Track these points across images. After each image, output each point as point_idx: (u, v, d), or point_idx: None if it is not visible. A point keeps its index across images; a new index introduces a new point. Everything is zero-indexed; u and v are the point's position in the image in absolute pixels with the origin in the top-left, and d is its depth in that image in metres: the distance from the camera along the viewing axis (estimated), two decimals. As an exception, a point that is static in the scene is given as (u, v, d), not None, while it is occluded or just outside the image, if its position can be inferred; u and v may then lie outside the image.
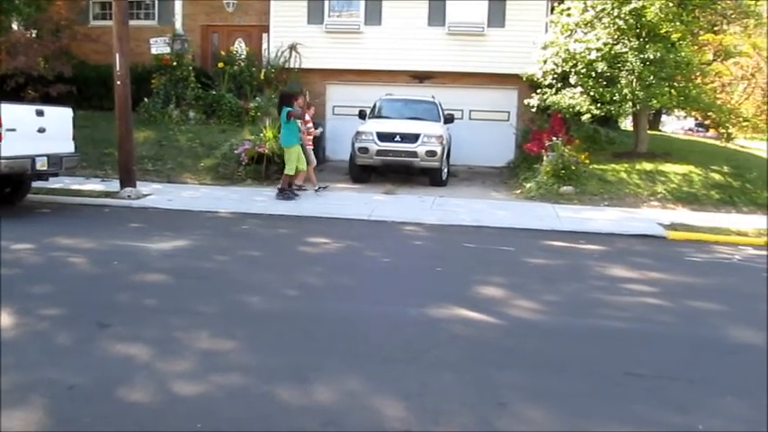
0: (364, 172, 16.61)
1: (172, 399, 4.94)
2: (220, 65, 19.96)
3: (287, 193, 14.01)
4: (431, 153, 15.73)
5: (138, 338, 5.97)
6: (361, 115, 17.51)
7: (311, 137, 15.30)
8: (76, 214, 12.08)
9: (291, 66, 20.31)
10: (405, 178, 16.64)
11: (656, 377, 5.73)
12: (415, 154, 15.62)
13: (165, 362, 5.56)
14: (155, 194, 13.78)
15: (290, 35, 20.54)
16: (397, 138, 15.81)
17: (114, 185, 14.18)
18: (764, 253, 11.13)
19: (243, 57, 20.55)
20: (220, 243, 10.06)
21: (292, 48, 20.37)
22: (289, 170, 13.99)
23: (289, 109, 13.94)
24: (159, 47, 19.21)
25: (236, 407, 4.84)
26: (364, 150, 15.91)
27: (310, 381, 5.28)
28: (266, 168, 15.78)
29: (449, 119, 17.55)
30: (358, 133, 16.19)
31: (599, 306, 7.69)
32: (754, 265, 10.31)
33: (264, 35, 21.34)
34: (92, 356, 5.62)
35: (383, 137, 15.87)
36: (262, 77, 19.96)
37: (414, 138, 15.66)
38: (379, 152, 15.82)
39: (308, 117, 15.06)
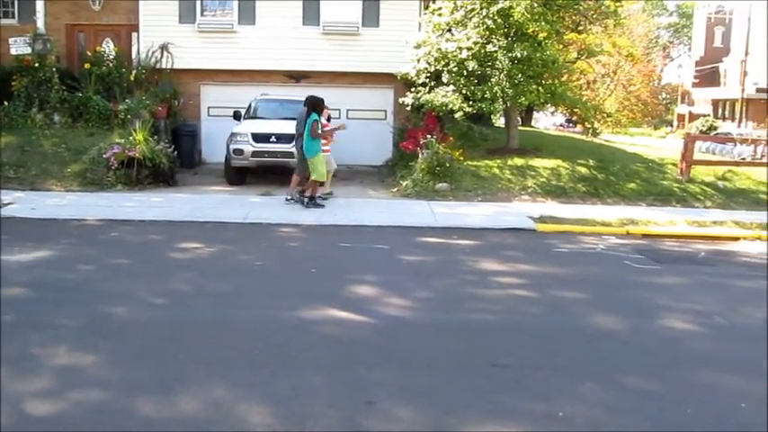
0: (240, 174, 16.33)
1: (24, 420, 4.68)
2: (87, 66, 19.16)
3: (314, 200, 13.64)
4: (307, 153, 15.58)
5: (-11, 357, 5.65)
6: (236, 116, 17.19)
7: (329, 144, 14.83)
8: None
9: (163, 66, 19.73)
10: (282, 179, 16.46)
11: (521, 367, 5.89)
12: (291, 154, 15.42)
13: (20, 381, 5.25)
14: (17, 203, 13.06)
15: (162, 35, 19.95)
16: (273, 138, 15.61)
17: (-29, 195, 13.37)
18: (626, 242, 11.70)
19: (111, 57, 19.77)
20: (86, 252, 9.65)
21: (164, 48, 19.80)
22: (319, 176, 13.54)
23: (316, 119, 13.39)
24: (19, 47, 18.23)
25: (94, 424, 4.64)
26: (239, 152, 15.64)
27: (175, 392, 5.12)
28: (137, 173, 15.26)
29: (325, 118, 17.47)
30: (233, 134, 15.89)
31: (469, 300, 7.85)
32: (617, 253, 10.78)
33: (134, 35, 20.61)
34: (-63, 379, 5.27)
35: (258, 138, 15.64)
36: (132, 79, 19.27)
37: (290, 138, 15.48)
38: (255, 153, 15.59)
39: (324, 120, 14.44)
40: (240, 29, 20.14)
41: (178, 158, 17.16)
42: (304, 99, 13.99)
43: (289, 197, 14.07)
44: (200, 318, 6.87)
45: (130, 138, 15.75)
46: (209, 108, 20.81)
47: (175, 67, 19.82)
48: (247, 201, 14.16)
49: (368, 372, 5.65)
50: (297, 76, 20.43)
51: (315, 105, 13.60)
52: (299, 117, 13.99)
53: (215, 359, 5.78)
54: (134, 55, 20.39)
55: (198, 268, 8.92)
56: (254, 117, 17.02)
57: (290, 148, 15.43)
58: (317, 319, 6.90)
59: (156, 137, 16.61)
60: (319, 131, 13.48)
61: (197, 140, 19.86)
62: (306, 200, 13.70)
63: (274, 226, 11.92)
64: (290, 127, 15.95)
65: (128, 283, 8.03)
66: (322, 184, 13.94)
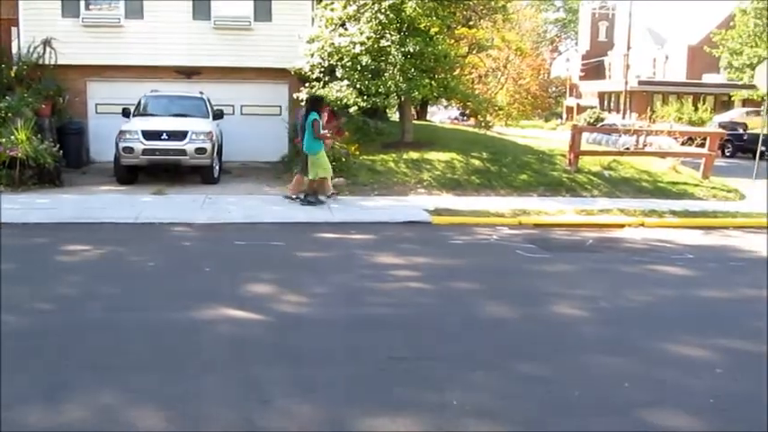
0: (131, 173, 15.84)
1: None
2: (-38, 62, 18.19)
3: (310, 198, 13.63)
4: (200, 150, 15.33)
5: None
6: (126, 113, 16.66)
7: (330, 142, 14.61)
8: None
9: (46, 62, 18.92)
10: (175, 177, 16.10)
11: (416, 359, 5.97)
12: (183, 152, 15.14)
13: None
14: None
15: (44, 29, 19.08)
16: (164, 136, 15.22)
17: None
18: (518, 232, 12.03)
19: (-11, 53, 18.87)
20: (-36, 258, 9.18)
21: (46, 43, 18.96)
22: (323, 172, 13.64)
23: (316, 117, 13.42)
24: None
25: (-27, 438, 4.43)
26: (129, 150, 15.17)
27: (59, 400, 4.93)
28: (20, 173, 14.59)
29: (218, 115, 17.21)
30: (122, 132, 15.40)
31: (366, 294, 7.89)
32: (509, 243, 11.04)
33: (14, 29, 19.69)
34: None
35: (149, 135, 15.21)
36: (12, 75, 18.41)
37: (182, 135, 15.17)
38: (146, 151, 15.17)
39: (326, 117, 14.30)
40: (127, 23, 19.51)
41: (65, 158, 16.45)
42: (308, 99, 14.05)
43: (294, 196, 14.02)
44: (89, 322, 6.63)
45: (12, 137, 15.05)
46: (96, 105, 20.07)
47: (59, 62, 19.00)
48: (139, 200, 13.75)
49: (263, 370, 5.60)
50: (188, 72, 19.97)
51: (314, 103, 13.77)
52: (300, 115, 14.12)
53: (103, 364, 5.59)
54: (14, 50, 19.49)
55: (86, 271, 8.61)
56: (145, 114, 16.56)
57: (182, 145, 15.12)
58: (212, 319, 6.79)
59: (39, 135, 15.91)
60: (322, 131, 13.62)
61: (85, 139, 19.12)
62: (307, 199, 13.63)
63: (167, 225, 11.62)
64: (181, 124, 15.65)
65: (10, 289, 7.64)
66: (320, 182, 13.83)
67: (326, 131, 14.28)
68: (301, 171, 14.20)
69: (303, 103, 13.78)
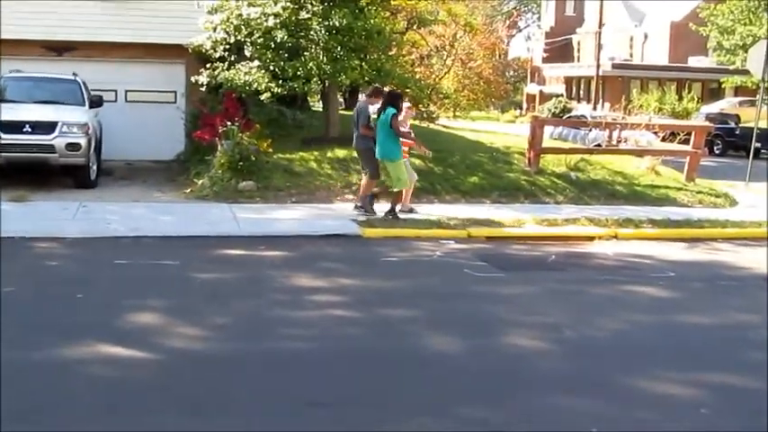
0: (-16, 174, 15.52)
1: None
2: None
3: (394, 213, 13.55)
4: (73, 146, 15.01)
5: None
6: (-22, 99, 16.35)
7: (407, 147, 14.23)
8: None
9: None
10: (42, 180, 15.75)
11: (340, 404, 5.96)
12: (51, 148, 14.81)
13: None
14: None
15: None
16: (27, 128, 14.86)
17: None
18: (467, 246, 12.13)
19: None
20: None
21: None
22: (401, 185, 13.44)
23: (395, 112, 13.24)
24: None
25: None
26: (-19, 146, 14.86)
27: None
28: None
29: (97, 102, 16.89)
30: (-27, 124, 15.08)
31: (279, 325, 7.87)
32: (456, 260, 11.14)
33: None
34: None
35: (7, 127, 14.81)
36: None
37: (49, 127, 14.85)
38: (3, 147, 14.85)
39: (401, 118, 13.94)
40: (-19, -14, 19.13)
41: None
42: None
43: (359, 205, 14.03)
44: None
45: None
46: (-59, 88, 19.60)
47: None
48: (-7, 209, 13.46)
49: (151, 420, 5.51)
50: (59, 48, 19.61)
51: (394, 99, 13.61)
52: (357, 108, 14.18)
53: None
54: None
55: None
56: (2, 100, 16.21)
57: (49, 140, 14.83)
58: (84, 358, 6.67)
59: None
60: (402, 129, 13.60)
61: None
62: (390, 215, 13.54)
63: (29, 241, 11.35)
64: (49, 113, 15.36)
65: None
66: (399, 195, 13.77)
67: (408, 130, 14.24)
68: (370, 175, 14.07)
69: (365, 95, 13.75)
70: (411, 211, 14.34)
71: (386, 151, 13.50)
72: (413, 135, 14.62)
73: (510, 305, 8.93)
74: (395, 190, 13.68)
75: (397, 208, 13.79)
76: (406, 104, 14.70)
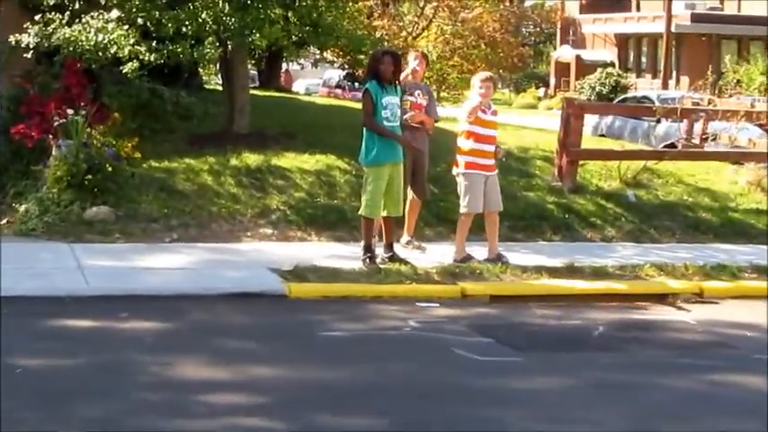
0: None
1: None
2: None
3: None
4: None
5: None
6: None
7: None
8: None
9: None
10: None
11: None
12: None
13: None
14: None
15: None
16: None
17: None
18: (460, 312, 12.00)
19: None
20: None
21: None
22: (365, 211, 14.09)
23: (368, 86, 14.16)
24: None
25: None
26: None
27: None
28: None
29: None
30: None
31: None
32: (442, 335, 10.80)
33: None
34: None
35: None
36: None
37: None
38: None
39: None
40: None
41: None
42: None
43: (410, 238, 14.93)
44: None
45: None
46: None
47: None
48: None
49: None
50: None
51: (372, 63, 14.43)
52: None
53: None
54: None
55: None
56: None
57: None
58: None
59: None
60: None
61: None
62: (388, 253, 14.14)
63: None
64: None
65: None
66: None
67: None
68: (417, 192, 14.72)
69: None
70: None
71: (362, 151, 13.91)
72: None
73: (530, 409, 8.51)
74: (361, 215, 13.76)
75: (403, 240, 14.53)
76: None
